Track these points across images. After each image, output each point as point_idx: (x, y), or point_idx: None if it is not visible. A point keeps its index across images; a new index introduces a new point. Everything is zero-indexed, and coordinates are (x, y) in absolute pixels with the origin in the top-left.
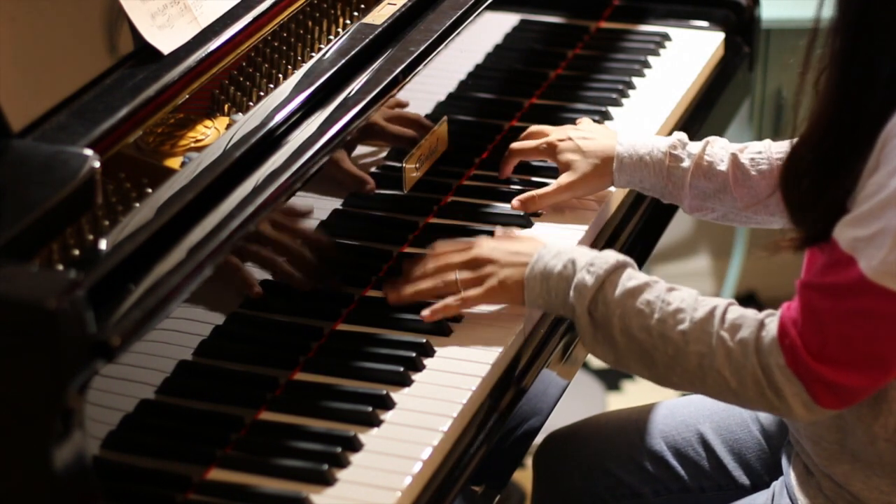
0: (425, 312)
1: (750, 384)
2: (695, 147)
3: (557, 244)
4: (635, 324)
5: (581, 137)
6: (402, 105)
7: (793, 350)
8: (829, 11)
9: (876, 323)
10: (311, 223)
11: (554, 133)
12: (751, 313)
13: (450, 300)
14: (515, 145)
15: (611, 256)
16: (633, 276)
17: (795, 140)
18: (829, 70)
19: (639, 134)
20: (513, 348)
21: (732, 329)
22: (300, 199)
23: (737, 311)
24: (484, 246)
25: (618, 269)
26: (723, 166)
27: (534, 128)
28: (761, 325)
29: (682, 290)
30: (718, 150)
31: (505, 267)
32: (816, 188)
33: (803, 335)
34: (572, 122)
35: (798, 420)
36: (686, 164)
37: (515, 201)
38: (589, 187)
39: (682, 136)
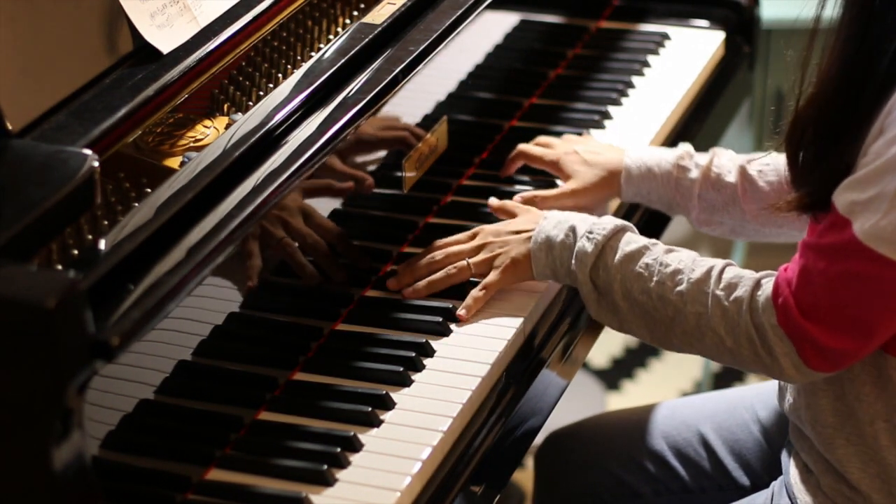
0: (460, 312)
1: (744, 343)
2: (702, 158)
3: (557, 213)
4: (635, 287)
5: (588, 151)
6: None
7: (785, 309)
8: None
9: (864, 286)
10: (317, 215)
11: (560, 147)
12: (748, 273)
13: (474, 292)
14: (523, 148)
15: (609, 222)
16: (631, 240)
17: (801, 104)
18: (834, 41)
19: (646, 147)
20: (512, 348)
21: (728, 288)
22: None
23: (733, 271)
24: (487, 230)
25: (616, 233)
26: (731, 178)
27: (543, 138)
28: (757, 284)
29: (681, 252)
30: (726, 161)
31: (513, 246)
32: (819, 153)
33: (796, 294)
34: (572, 121)
35: (789, 381)
36: (694, 174)
37: (517, 198)
38: (593, 197)
39: (689, 147)
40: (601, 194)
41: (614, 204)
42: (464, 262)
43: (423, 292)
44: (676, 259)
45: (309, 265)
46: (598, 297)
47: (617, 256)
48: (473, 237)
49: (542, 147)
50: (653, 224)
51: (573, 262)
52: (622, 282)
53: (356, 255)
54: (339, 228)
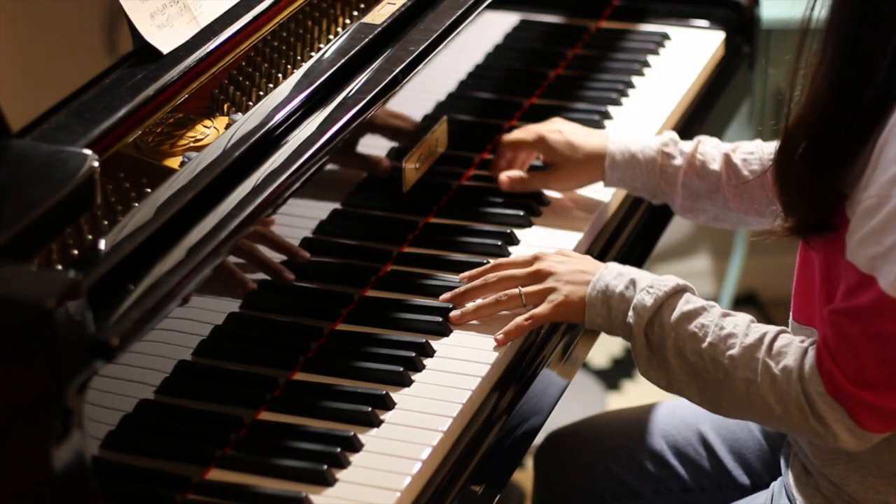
0: (499, 336)
1: (794, 411)
2: (686, 146)
3: (618, 265)
4: (688, 347)
5: (571, 132)
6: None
7: (831, 377)
8: (822, 12)
9: None
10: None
11: (543, 125)
12: (797, 340)
13: (519, 320)
14: (506, 137)
15: (671, 280)
16: (690, 300)
17: (789, 127)
18: (823, 66)
19: (630, 134)
20: (513, 348)
21: (778, 356)
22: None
23: (785, 339)
24: (546, 260)
25: (677, 292)
26: (715, 165)
27: (522, 128)
28: (805, 352)
29: (737, 316)
30: (710, 148)
31: (568, 283)
32: (807, 177)
33: (839, 362)
34: (572, 121)
35: (846, 447)
36: (678, 161)
37: (503, 175)
38: (578, 181)
39: (674, 134)
40: (586, 177)
41: (620, 195)
42: (516, 291)
43: (469, 318)
44: (732, 323)
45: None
46: (649, 353)
47: (675, 314)
48: (531, 262)
49: (522, 130)
50: (654, 222)
51: (630, 314)
52: (676, 340)
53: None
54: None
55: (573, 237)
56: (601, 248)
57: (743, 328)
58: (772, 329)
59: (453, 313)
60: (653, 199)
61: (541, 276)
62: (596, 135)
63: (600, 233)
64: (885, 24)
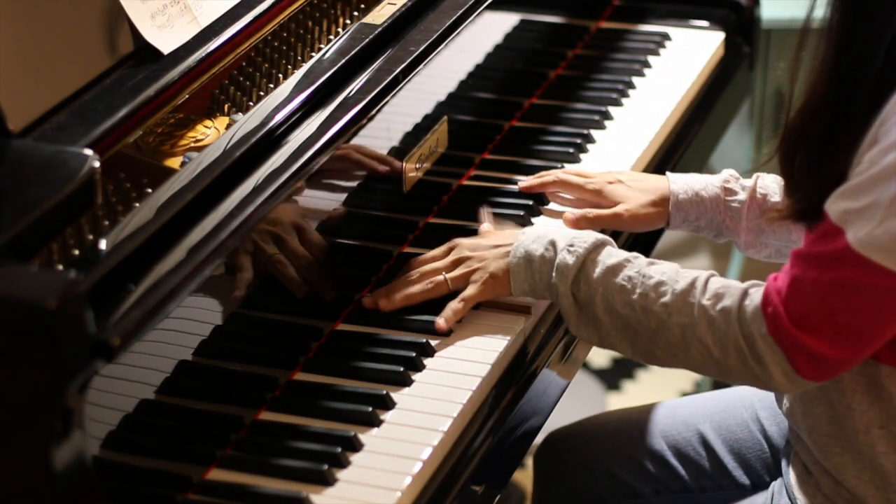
0: (439, 321)
1: (732, 352)
2: (747, 181)
3: (536, 228)
4: (618, 300)
5: (631, 179)
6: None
7: (775, 318)
8: (819, 11)
9: (858, 295)
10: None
11: (602, 176)
12: (733, 283)
13: (452, 303)
14: (562, 176)
15: (590, 236)
16: (612, 254)
17: (791, 112)
18: (823, 47)
19: (689, 175)
20: (513, 348)
21: (715, 298)
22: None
23: (719, 281)
24: (463, 244)
25: (597, 247)
26: (777, 198)
27: (580, 170)
28: (744, 293)
29: (663, 264)
30: (770, 182)
31: (490, 259)
32: (811, 162)
33: (786, 303)
34: (572, 122)
35: (779, 391)
36: (742, 196)
37: (569, 214)
38: (641, 223)
39: (733, 171)
40: (650, 221)
41: None
42: (440, 278)
43: (398, 304)
44: (659, 271)
45: (298, 279)
46: (577, 310)
47: (598, 269)
48: (449, 252)
49: (582, 177)
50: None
51: (554, 275)
52: (604, 294)
53: (341, 281)
54: (328, 247)
55: None
56: None
57: (672, 275)
58: (702, 273)
59: (381, 301)
60: (717, 237)
61: (461, 261)
62: (655, 178)
63: (600, 233)
64: (880, 13)
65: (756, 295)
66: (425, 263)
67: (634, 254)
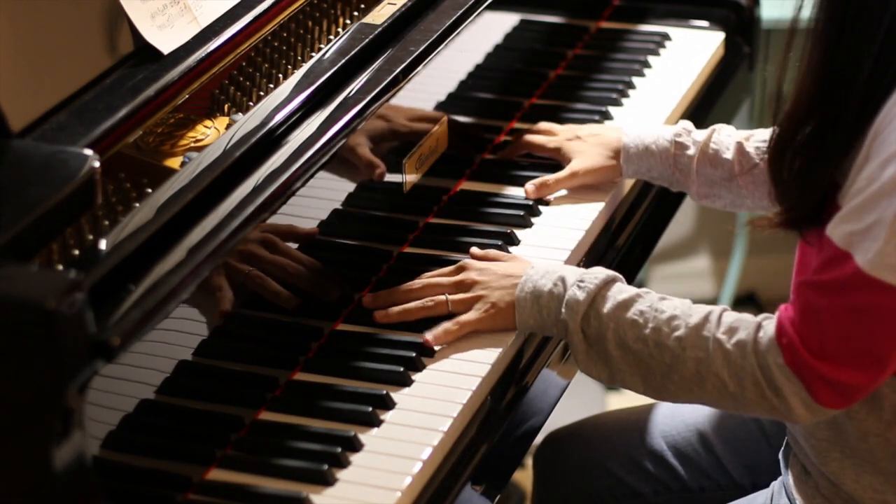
0: (428, 336)
1: (749, 385)
2: (700, 135)
3: (545, 264)
4: (630, 335)
5: (589, 134)
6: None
7: (791, 348)
8: (808, 12)
9: (874, 318)
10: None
11: (562, 134)
12: (747, 316)
13: (447, 325)
14: (527, 137)
15: (600, 272)
16: (623, 289)
17: (780, 118)
18: (809, 58)
19: (644, 124)
20: (513, 348)
21: (729, 331)
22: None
23: (733, 315)
24: (472, 268)
25: (608, 283)
26: (728, 154)
27: (545, 124)
28: (758, 326)
29: (674, 299)
30: (724, 137)
31: (495, 289)
32: (800, 169)
33: (802, 333)
34: (572, 122)
35: (799, 421)
36: (691, 151)
37: (529, 185)
38: (596, 176)
39: (688, 124)
40: (604, 173)
41: (618, 196)
42: (442, 298)
43: (394, 318)
44: (671, 306)
45: (284, 291)
46: (587, 347)
47: (609, 304)
48: (458, 272)
49: (544, 135)
50: (653, 224)
51: (563, 310)
52: (616, 330)
53: (332, 287)
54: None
55: (574, 237)
56: (602, 248)
57: (685, 309)
58: (715, 308)
59: (377, 313)
60: (670, 187)
61: (466, 285)
62: (612, 131)
63: (601, 233)
64: (867, 13)
65: (769, 326)
66: (430, 278)
67: (645, 289)
